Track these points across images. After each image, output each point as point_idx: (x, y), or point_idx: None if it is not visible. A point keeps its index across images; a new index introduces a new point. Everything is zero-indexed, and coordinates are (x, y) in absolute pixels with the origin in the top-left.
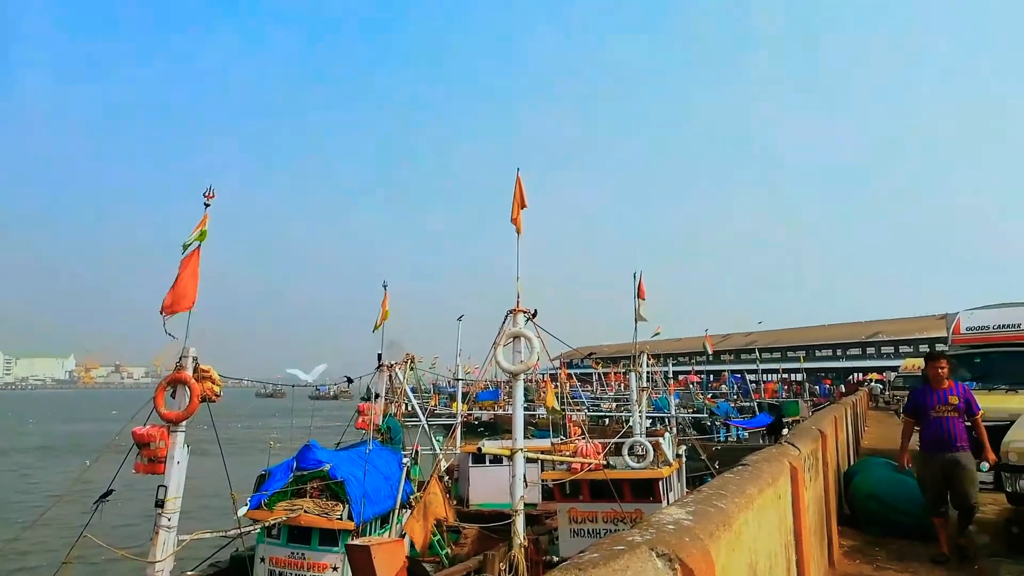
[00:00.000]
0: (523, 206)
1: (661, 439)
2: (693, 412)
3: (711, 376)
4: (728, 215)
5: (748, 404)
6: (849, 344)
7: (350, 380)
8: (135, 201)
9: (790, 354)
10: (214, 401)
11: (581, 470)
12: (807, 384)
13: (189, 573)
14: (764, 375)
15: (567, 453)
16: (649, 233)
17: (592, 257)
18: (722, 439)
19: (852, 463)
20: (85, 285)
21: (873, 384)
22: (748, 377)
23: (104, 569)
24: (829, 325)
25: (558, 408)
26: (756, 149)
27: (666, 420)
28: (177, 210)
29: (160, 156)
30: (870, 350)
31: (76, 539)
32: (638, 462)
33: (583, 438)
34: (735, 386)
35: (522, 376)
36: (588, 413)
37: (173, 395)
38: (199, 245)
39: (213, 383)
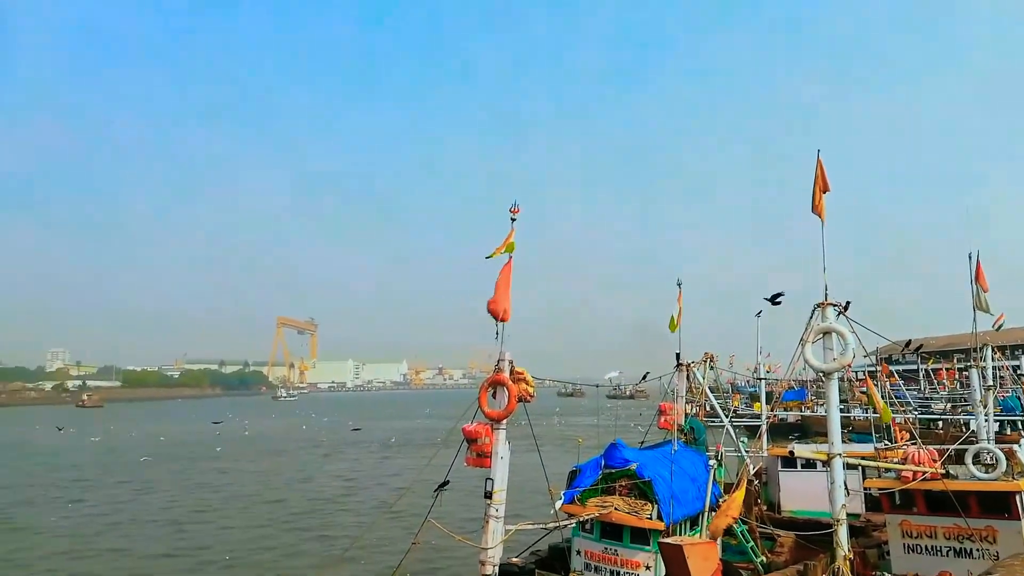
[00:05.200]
0: (825, 190)
1: (1016, 445)
2: None
3: None
4: None
5: None
6: None
7: (645, 377)
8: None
9: None
10: (529, 401)
11: (914, 479)
12: None
13: (515, 559)
14: None
15: (895, 460)
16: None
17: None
18: None
19: None
20: (411, 296)
21: None
22: None
23: (444, 551)
24: None
25: (888, 414)
26: None
27: (1019, 423)
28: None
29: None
30: None
31: (421, 524)
32: (986, 472)
33: (913, 443)
34: None
35: (835, 375)
36: (916, 415)
37: (494, 396)
38: (510, 257)
39: (528, 384)
